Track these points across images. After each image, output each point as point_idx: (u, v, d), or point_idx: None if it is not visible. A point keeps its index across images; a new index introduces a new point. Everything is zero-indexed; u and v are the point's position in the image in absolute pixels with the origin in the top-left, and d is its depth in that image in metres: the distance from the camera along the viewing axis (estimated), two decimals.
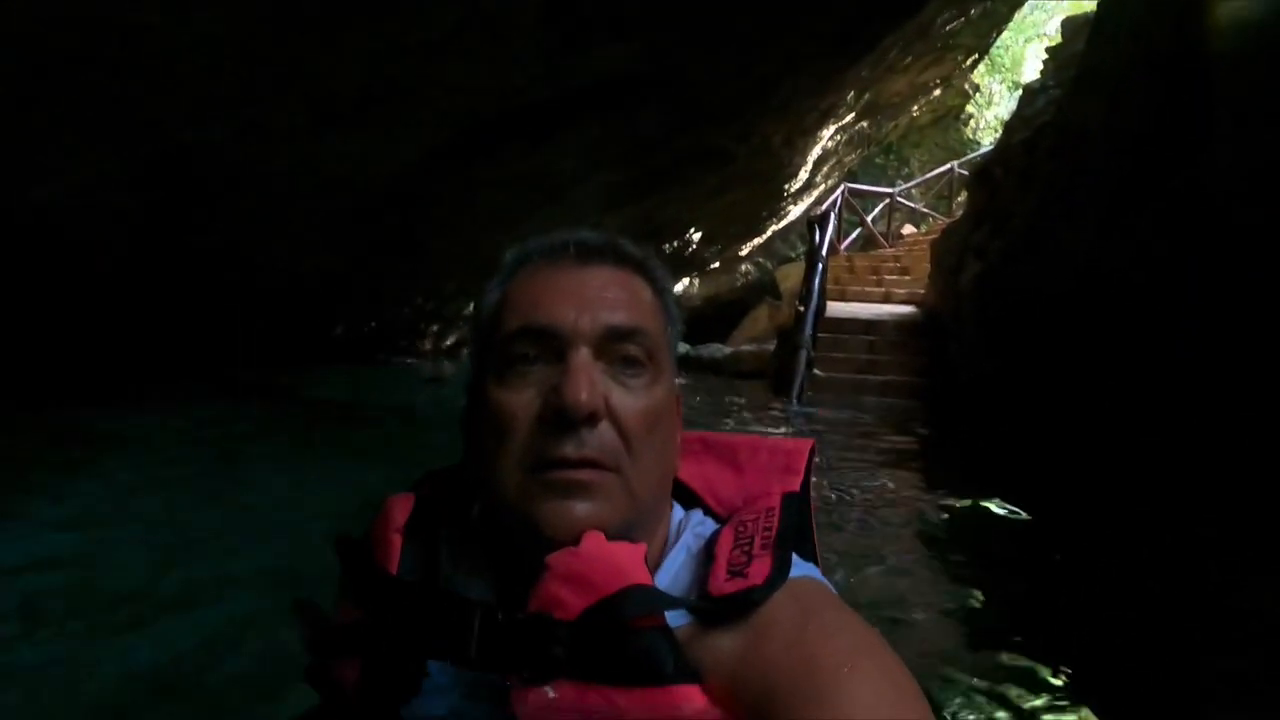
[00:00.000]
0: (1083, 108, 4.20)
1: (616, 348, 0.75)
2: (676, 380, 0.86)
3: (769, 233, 13.26)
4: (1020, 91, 8.41)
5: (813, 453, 0.88)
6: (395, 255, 6.02)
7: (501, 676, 0.68)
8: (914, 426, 5.85)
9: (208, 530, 2.60)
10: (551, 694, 0.65)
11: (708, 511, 0.87)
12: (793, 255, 14.90)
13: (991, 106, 18.66)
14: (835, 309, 8.91)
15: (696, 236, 10.18)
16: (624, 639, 0.65)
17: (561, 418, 0.71)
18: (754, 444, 0.90)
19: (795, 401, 6.86)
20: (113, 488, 3.08)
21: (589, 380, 0.72)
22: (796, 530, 0.78)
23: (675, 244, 9.82)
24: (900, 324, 8.49)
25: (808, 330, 7.62)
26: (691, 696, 0.64)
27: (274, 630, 1.73)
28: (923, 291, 9.25)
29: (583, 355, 0.74)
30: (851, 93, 8.62)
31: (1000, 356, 5.18)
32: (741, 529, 0.77)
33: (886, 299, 10.18)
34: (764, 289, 14.17)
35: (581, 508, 0.71)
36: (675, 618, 0.68)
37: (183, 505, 2.91)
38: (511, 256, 0.83)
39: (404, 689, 0.73)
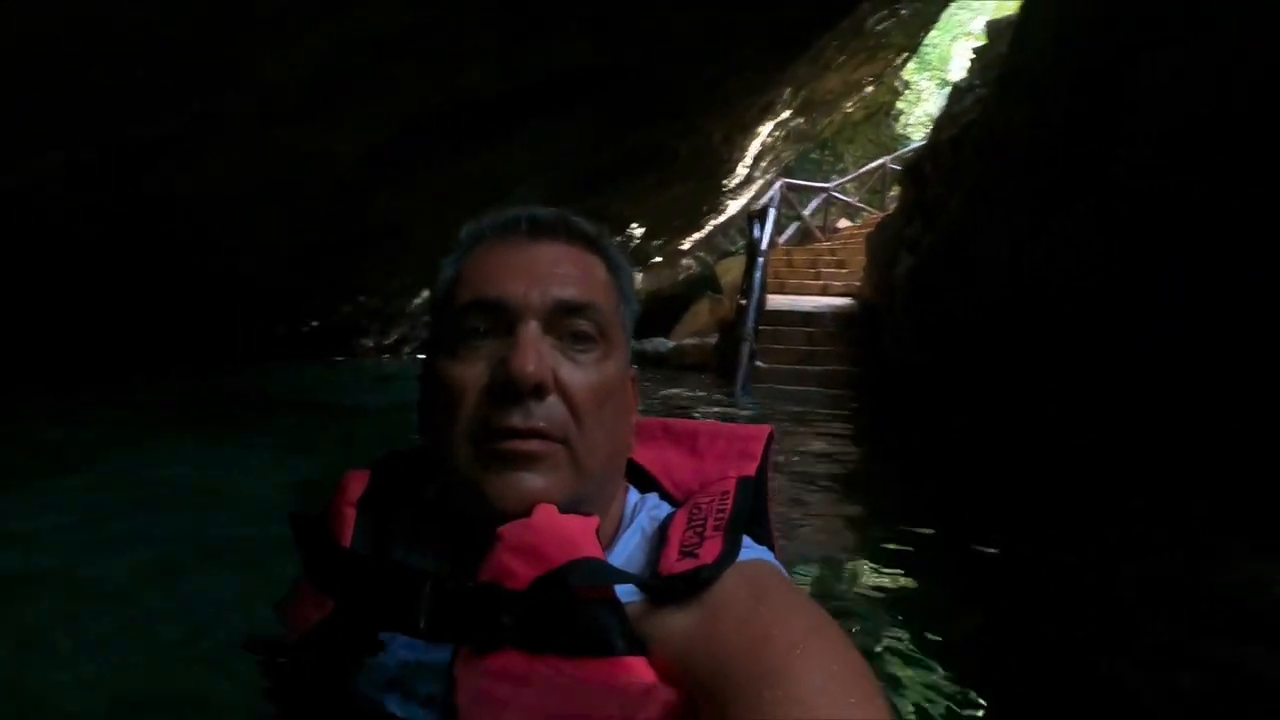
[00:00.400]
0: (1007, 109, 4.38)
1: (566, 322, 0.76)
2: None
3: (709, 227, 13.41)
4: (949, 89, 8.71)
5: (770, 439, 0.89)
6: (339, 252, 5.90)
7: (451, 648, 0.68)
8: (851, 416, 6.04)
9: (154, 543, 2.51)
10: (496, 665, 0.66)
11: (665, 496, 0.88)
12: (732, 249, 15.10)
13: (921, 103, 19.18)
14: (775, 302, 9.10)
15: (639, 232, 10.25)
16: (572, 610, 0.66)
17: (509, 389, 0.72)
18: (713, 430, 0.92)
19: (741, 392, 6.99)
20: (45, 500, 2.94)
21: (536, 353, 0.73)
22: (751, 514, 0.80)
23: (618, 239, 9.87)
24: (838, 315, 8.72)
25: (750, 323, 7.77)
26: (638, 669, 0.64)
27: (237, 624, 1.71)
28: (858, 284, 9.50)
29: (531, 329, 0.74)
30: (789, 90, 8.80)
31: (932, 349, 5.36)
32: (695, 511, 0.78)
33: (824, 291, 10.42)
34: (705, 283, 14.33)
35: (529, 479, 0.72)
36: (626, 595, 0.68)
37: (135, 515, 2.79)
38: (466, 233, 0.84)
39: (354, 661, 0.73)
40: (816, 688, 0.58)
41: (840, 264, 11.72)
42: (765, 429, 0.90)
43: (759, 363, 7.61)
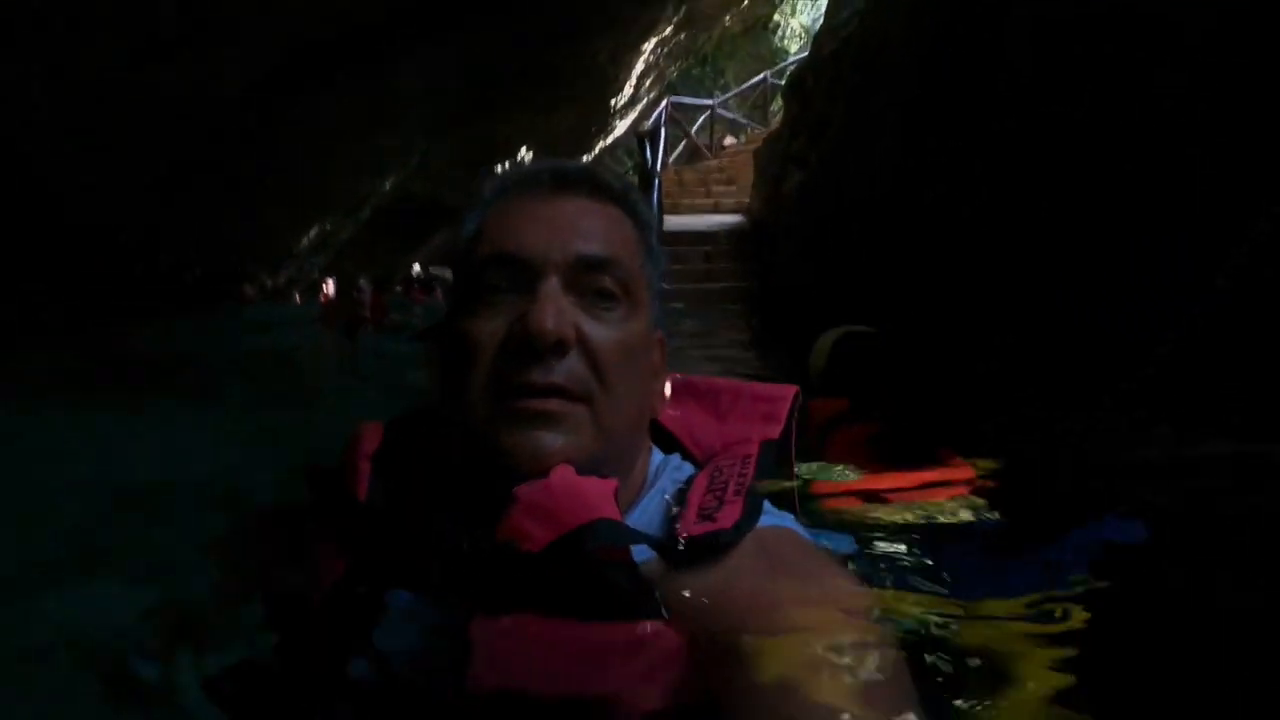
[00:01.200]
0: (883, 24, 4.51)
1: (589, 279, 0.74)
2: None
3: (598, 149, 13.29)
4: (824, 1, 8.82)
5: (796, 399, 0.87)
6: (217, 190, 5.56)
7: (464, 607, 0.66)
8: (748, 331, 6.32)
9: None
10: (510, 626, 0.64)
11: (686, 456, 0.86)
12: (622, 171, 15.04)
13: (797, 15, 19.27)
14: (671, 222, 9.18)
15: (529, 156, 10.08)
16: (588, 574, 0.65)
17: (527, 345, 0.70)
18: (737, 389, 0.90)
19: None
20: None
21: (556, 308, 0.70)
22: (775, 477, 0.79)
23: (508, 165, 9.69)
24: (731, 233, 8.91)
25: None
26: (654, 632, 0.64)
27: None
28: (747, 200, 9.70)
29: (552, 284, 0.72)
30: (671, 5, 8.73)
31: (816, 263, 5.57)
32: (717, 474, 0.76)
33: (715, 209, 10.58)
34: None
35: (548, 438, 0.69)
36: (643, 556, 0.67)
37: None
38: (489, 188, 0.82)
39: (366, 618, 0.71)
40: (825, 660, 0.58)
41: (729, 181, 11.90)
42: (791, 389, 0.88)
43: (663, 284, 7.77)
